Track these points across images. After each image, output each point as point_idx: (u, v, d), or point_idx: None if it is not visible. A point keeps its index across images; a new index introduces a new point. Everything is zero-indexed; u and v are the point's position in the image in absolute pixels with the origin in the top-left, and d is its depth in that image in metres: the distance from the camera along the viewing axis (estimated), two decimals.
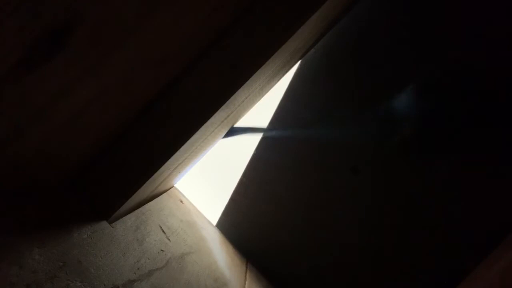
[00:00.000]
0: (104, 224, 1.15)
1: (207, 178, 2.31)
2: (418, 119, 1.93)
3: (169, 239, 1.43)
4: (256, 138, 2.23)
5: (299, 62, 2.19)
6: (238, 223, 2.22)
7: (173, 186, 2.04)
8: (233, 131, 1.89)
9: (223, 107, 1.09)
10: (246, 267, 2.01)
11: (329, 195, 2.09)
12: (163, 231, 1.45)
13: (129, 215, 1.32)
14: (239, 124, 2.03)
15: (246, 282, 1.79)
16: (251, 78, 1.06)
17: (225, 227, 2.23)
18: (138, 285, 1.06)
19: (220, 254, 1.83)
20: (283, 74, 2.02)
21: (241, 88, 1.08)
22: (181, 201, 1.96)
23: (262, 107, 2.23)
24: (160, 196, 1.73)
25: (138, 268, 1.12)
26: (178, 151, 1.12)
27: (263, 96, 2.05)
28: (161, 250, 1.32)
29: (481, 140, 1.84)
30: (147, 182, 1.14)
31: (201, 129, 1.11)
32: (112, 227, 1.17)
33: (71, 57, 0.68)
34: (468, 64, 1.85)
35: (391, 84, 1.99)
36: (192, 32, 0.96)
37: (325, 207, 2.10)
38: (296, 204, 2.15)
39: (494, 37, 1.81)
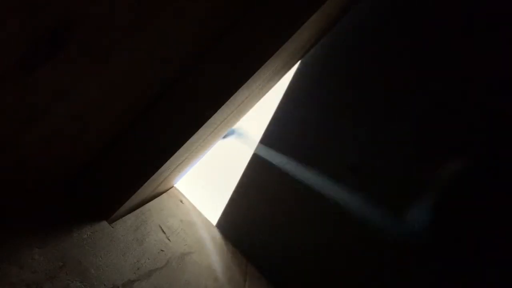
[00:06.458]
0: (104, 224, 1.15)
1: (207, 178, 2.31)
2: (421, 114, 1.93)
3: (169, 239, 1.43)
4: (256, 138, 2.23)
5: (299, 62, 2.19)
6: (238, 223, 2.22)
7: (173, 186, 2.04)
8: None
9: (222, 107, 1.09)
10: (246, 267, 2.01)
11: (329, 195, 2.09)
12: (163, 231, 1.45)
13: (129, 215, 1.32)
14: (239, 125, 2.03)
15: (246, 282, 1.79)
16: (250, 78, 1.06)
17: (225, 227, 2.23)
18: (138, 285, 1.06)
19: (220, 254, 1.83)
20: (283, 74, 2.02)
21: (241, 88, 1.08)
22: (181, 201, 1.96)
23: (262, 107, 2.23)
24: (160, 196, 1.73)
25: (138, 268, 1.12)
26: (178, 151, 1.12)
27: (263, 96, 2.05)
28: (161, 250, 1.32)
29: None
30: (147, 182, 1.14)
31: (200, 129, 1.11)
32: (112, 227, 1.18)
33: (71, 57, 0.68)
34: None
35: (391, 83, 1.99)
36: (192, 33, 0.96)
37: (325, 207, 2.10)
38: (296, 204, 2.15)
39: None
